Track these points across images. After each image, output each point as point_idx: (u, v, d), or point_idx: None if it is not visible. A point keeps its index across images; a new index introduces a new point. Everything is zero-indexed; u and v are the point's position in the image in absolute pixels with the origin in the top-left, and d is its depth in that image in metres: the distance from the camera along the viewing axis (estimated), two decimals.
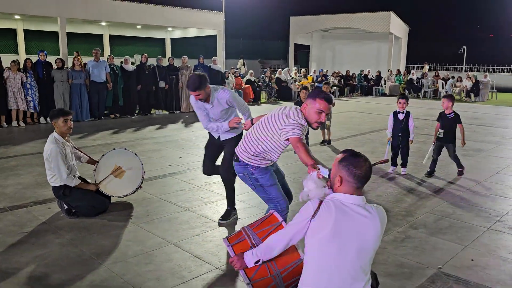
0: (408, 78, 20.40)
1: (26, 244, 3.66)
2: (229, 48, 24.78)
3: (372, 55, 25.35)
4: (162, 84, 12.37)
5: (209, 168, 4.33)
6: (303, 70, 22.44)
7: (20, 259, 3.38)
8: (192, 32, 22.71)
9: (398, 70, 22.25)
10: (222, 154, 4.26)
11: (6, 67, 9.92)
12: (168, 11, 19.43)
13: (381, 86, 21.16)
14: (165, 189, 5.30)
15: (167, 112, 12.78)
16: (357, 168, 2.07)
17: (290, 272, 2.34)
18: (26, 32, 19.11)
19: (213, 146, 4.26)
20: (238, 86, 15.95)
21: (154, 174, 5.88)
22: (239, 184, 4.19)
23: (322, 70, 20.61)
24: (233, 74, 16.64)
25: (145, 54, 12.38)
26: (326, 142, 8.12)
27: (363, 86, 20.47)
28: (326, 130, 8.12)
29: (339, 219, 2.01)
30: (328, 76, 19.86)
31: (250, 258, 2.30)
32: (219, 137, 4.16)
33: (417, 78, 20.79)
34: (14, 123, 9.97)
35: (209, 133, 4.25)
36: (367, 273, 2.11)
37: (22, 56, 17.41)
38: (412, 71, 21.36)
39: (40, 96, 10.32)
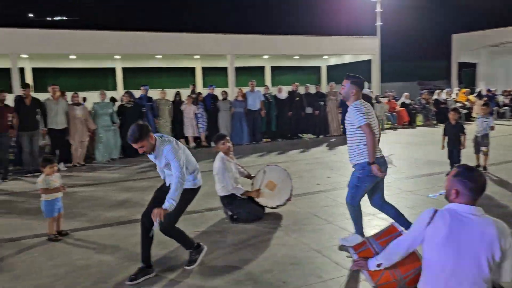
0: None
1: (199, 240, 4.59)
2: (385, 71, 24.48)
3: None
4: (309, 110, 13.16)
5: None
6: (463, 90, 20.69)
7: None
8: (347, 58, 23.24)
9: None
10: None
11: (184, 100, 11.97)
12: (323, 41, 20.44)
13: None
14: (313, 204, 5.83)
15: (316, 136, 13.45)
16: (472, 182, 2.25)
17: (413, 278, 2.56)
18: (204, 69, 22.37)
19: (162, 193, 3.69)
20: (392, 109, 15.74)
21: (304, 191, 6.48)
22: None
23: (490, 89, 18.75)
24: (387, 97, 16.50)
25: (296, 83, 13.35)
26: (482, 168, 7.55)
27: None
28: (482, 155, 7.60)
29: (453, 226, 2.21)
30: (496, 95, 17.97)
31: (372, 262, 2.59)
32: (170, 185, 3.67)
33: None
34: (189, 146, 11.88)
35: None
36: (487, 282, 2.22)
37: (199, 90, 20.31)
38: None
39: (208, 123, 12.07)
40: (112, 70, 20.62)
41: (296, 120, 13.11)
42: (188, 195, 3.82)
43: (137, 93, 11.20)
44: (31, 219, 5.53)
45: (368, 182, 4.01)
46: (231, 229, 4.93)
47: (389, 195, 6.05)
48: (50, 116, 8.95)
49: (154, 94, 11.89)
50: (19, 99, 8.66)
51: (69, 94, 9.82)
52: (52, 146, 9.29)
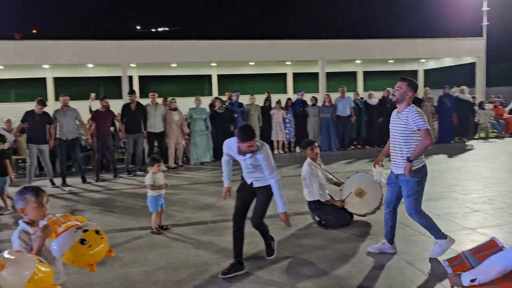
0: None
1: (287, 243, 4.74)
2: (491, 74, 22.55)
3: None
4: None
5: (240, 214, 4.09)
6: None
7: (281, 252, 4.45)
8: (447, 62, 21.85)
9: None
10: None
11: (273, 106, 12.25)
12: (421, 43, 19.46)
13: None
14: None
15: None
16: None
17: None
18: (295, 75, 22.65)
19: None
20: (499, 116, 14.47)
21: None
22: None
23: None
24: (493, 103, 15.22)
25: (388, 88, 12.91)
26: None
27: None
28: None
29: None
30: None
31: (466, 276, 2.47)
32: (251, 183, 4.05)
33: None
34: (276, 151, 12.11)
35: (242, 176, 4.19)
36: None
37: (289, 95, 20.57)
38: None
39: (296, 129, 12.19)
40: (209, 77, 21.79)
41: (387, 126, 12.65)
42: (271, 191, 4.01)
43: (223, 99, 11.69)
44: (137, 214, 6.14)
45: (424, 184, 4.06)
46: (318, 234, 5.00)
47: (492, 210, 5.64)
48: (149, 120, 9.74)
49: (246, 99, 12.31)
50: (125, 105, 9.58)
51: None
52: (149, 148, 10.07)
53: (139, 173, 9.36)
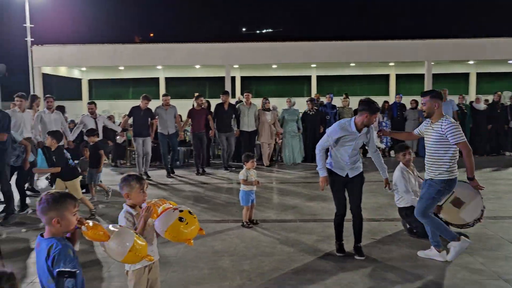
0: None
1: (374, 248, 4.68)
2: None
3: None
4: None
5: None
6: None
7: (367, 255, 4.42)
8: None
9: None
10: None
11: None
12: None
13: None
14: (509, 230, 5.19)
15: None
16: None
17: None
18: (398, 76, 21.70)
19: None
20: None
21: (499, 214, 5.80)
22: None
23: None
24: None
25: (499, 92, 11.72)
26: None
27: None
28: None
29: None
30: None
31: None
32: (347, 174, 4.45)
33: None
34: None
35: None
36: None
37: (391, 97, 19.68)
38: None
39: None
40: (308, 77, 21.88)
41: (496, 134, 11.56)
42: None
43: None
44: (230, 208, 6.52)
45: (444, 195, 4.36)
46: (407, 241, 4.85)
47: None
48: (242, 119, 10.17)
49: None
50: (218, 104, 10.11)
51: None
52: (243, 146, 10.46)
53: (232, 169, 9.83)
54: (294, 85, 22.03)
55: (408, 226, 5.09)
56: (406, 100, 12.35)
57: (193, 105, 9.98)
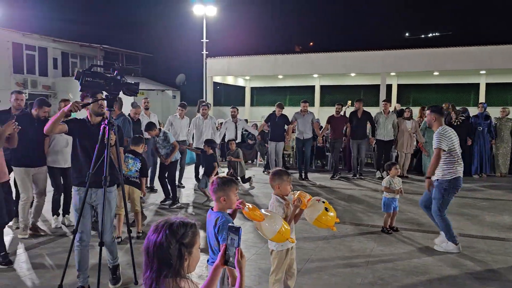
0: None
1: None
2: None
3: None
4: None
5: None
6: None
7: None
8: None
9: None
10: None
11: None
12: None
13: None
14: None
15: None
16: None
17: None
18: (487, 85, 18.91)
19: None
20: None
21: None
22: None
23: None
24: None
25: None
26: None
27: None
28: None
29: None
30: None
31: None
32: None
33: None
34: None
35: None
36: None
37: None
38: None
39: None
40: (476, 85, 19.97)
41: None
42: None
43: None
44: (372, 213, 6.64)
45: (452, 195, 4.79)
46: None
47: None
48: (379, 128, 9.99)
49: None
50: (352, 112, 10.07)
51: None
52: (378, 155, 10.30)
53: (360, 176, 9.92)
54: (459, 94, 20.38)
55: None
56: None
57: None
